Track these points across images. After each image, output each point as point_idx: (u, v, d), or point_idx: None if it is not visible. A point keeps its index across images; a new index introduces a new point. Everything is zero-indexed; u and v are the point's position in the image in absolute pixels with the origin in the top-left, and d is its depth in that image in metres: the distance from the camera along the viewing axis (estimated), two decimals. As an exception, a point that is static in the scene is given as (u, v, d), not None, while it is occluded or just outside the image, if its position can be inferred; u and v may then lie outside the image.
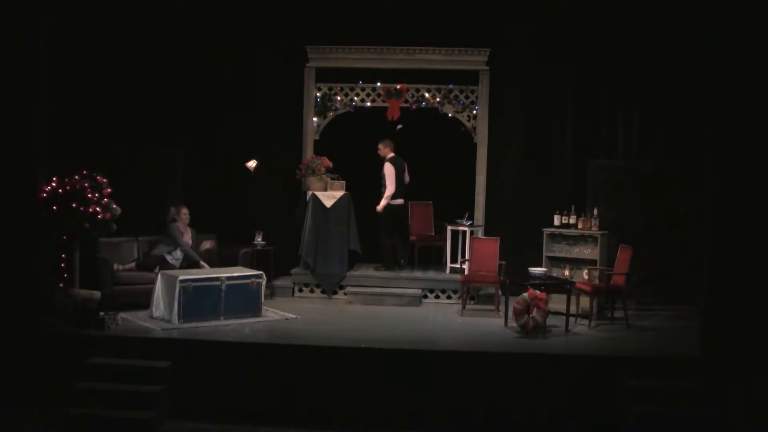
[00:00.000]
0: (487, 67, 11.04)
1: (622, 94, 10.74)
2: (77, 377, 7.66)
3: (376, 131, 10.93)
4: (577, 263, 10.17)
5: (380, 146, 10.79)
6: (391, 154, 10.77)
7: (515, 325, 8.80)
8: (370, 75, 11.22)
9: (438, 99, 11.16)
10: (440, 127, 11.29)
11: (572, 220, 10.23)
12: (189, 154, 11.07)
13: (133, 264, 9.77)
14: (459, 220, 10.80)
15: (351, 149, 11.12)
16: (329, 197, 10.73)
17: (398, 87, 11.13)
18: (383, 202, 10.64)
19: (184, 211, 10.04)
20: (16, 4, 8.09)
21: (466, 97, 11.16)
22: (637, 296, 9.91)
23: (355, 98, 11.32)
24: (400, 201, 10.83)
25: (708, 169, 7.93)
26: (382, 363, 7.76)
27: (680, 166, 10.19)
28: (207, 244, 10.21)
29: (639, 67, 10.47)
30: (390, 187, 10.61)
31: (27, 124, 8.19)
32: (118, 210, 9.08)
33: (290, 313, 9.43)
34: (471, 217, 10.89)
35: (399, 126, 10.77)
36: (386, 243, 10.75)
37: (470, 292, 10.15)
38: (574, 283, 9.48)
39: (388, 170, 10.65)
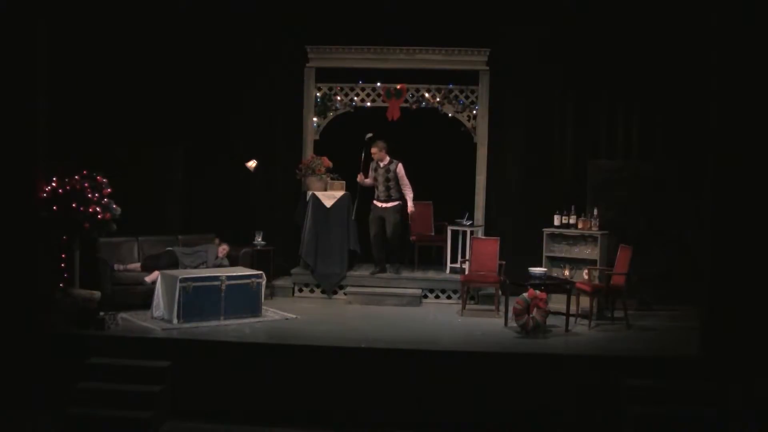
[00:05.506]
0: (487, 67, 11.04)
1: (622, 94, 10.74)
2: (77, 377, 7.66)
3: (376, 131, 10.91)
4: (577, 263, 10.17)
5: (374, 150, 10.47)
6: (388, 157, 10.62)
7: (515, 325, 8.80)
8: (370, 75, 11.22)
9: (438, 99, 11.16)
10: (440, 127, 11.29)
11: (572, 220, 10.23)
12: (189, 154, 11.06)
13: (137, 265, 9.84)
14: (459, 220, 10.80)
15: (351, 149, 11.10)
16: (329, 197, 10.73)
17: (398, 87, 11.12)
18: (411, 203, 10.54)
19: (224, 247, 10.22)
20: (16, 4, 8.09)
21: (466, 97, 11.16)
22: (637, 296, 9.91)
23: (355, 98, 11.32)
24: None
25: (708, 169, 7.93)
26: (382, 363, 7.76)
27: (680, 166, 10.19)
28: (224, 248, 10.24)
29: (639, 67, 10.48)
30: (409, 186, 10.51)
31: (27, 124, 8.18)
32: (118, 210, 9.07)
33: (290, 313, 9.43)
34: (471, 217, 10.89)
35: (369, 134, 10.52)
36: (398, 243, 10.67)
37: (470, 292, 10.14)
38: (574, 283, 9.47)
39: (403, 171, 10.50)
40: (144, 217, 10.21)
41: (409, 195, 10.53)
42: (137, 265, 9.75)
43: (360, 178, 10.59)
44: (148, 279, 9.43)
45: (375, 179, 10.63)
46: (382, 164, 10.56)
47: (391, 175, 10.51)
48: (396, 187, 10.53)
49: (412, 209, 10.59)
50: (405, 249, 11.09)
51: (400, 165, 10.52)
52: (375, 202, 10.67)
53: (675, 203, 10.16)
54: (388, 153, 10.55)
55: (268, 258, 10.53)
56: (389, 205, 10.54)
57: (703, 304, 7.96)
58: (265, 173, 11.12)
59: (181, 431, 7.52)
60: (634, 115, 10.75)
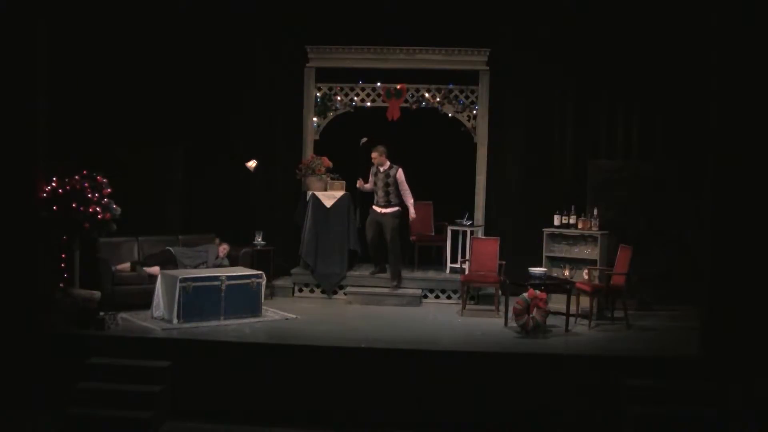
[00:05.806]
0: (487, 67, 11.04)
1: (622, 94, 10.74)
2: (77, 377, 7.66)
3: (376, 131, 10.89)
4: (577, 263, 10.17)
5: (374, 154, 10.29)
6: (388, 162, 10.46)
7: (515, 325, 8.80)
8: (370, 75, 11.22)
9: (438, 99, 11.16)
10: (440, 127, 11.29)
11: (572, 220, 10.23)
12: (189, 154, 11.06)
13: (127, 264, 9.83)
14: (459, 220, 10.80)
15: (351, 149, 11.08)
16: (329, 197, 10.73)
17: (398, 87, 11.12)
18: (413, 210, 10.36)
19: (224, 247, 10.24)
20: (16, 4, 8.09)
21: (466, 97, 11.16)
22: (637, 296, 9.91)
23: (355, 98, 11.32)
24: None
25: (708, 168, 7.93)
26: (382, 363, 7.76)
27: (680, 166, 10.19)
28: (224, 248, 10.24)
29: (639, 67, 10.48)
30: (409, 192, 10.33)
31: (27, 124, 8.19)
32: (118, 210, 9.07)
33: (290, 313, 9.43)
34: (471, 217, 10.89)
35: (364, 139, 10.42)
36: (398, 252, 10.45)
37: (470, 292, 10.14)
38: (574, 283, 9.47)
39: (403, 177, 10.30)
40: (144, 217, 10.21)
41: (409, 201, 10.36)
42: (126, 266, 9.71)
43: (360, 183, 10.51)
44: (149, 270, 9.44)
45: (375, 184, 10.51)
46: (382, 169, 10.41)
47: (390, 180, 10.33)
48: (395, 192, 10.34)
49: (414, 216, 10.46)
50: (405, 257, 10.92)
51: (400, 170, 10.34)
52: (374, 206, 10.52)
53: (675, 203, 10.16)
54: (388, 156, 10.43)
55: (268, 258, 10.53)
56: (388, 210, 10.36)
57: (703, 304, 7.96)
58: (265, 173, 11.12)
59: (181, 431, 7.53)
60: (634, 115, 10.74)
